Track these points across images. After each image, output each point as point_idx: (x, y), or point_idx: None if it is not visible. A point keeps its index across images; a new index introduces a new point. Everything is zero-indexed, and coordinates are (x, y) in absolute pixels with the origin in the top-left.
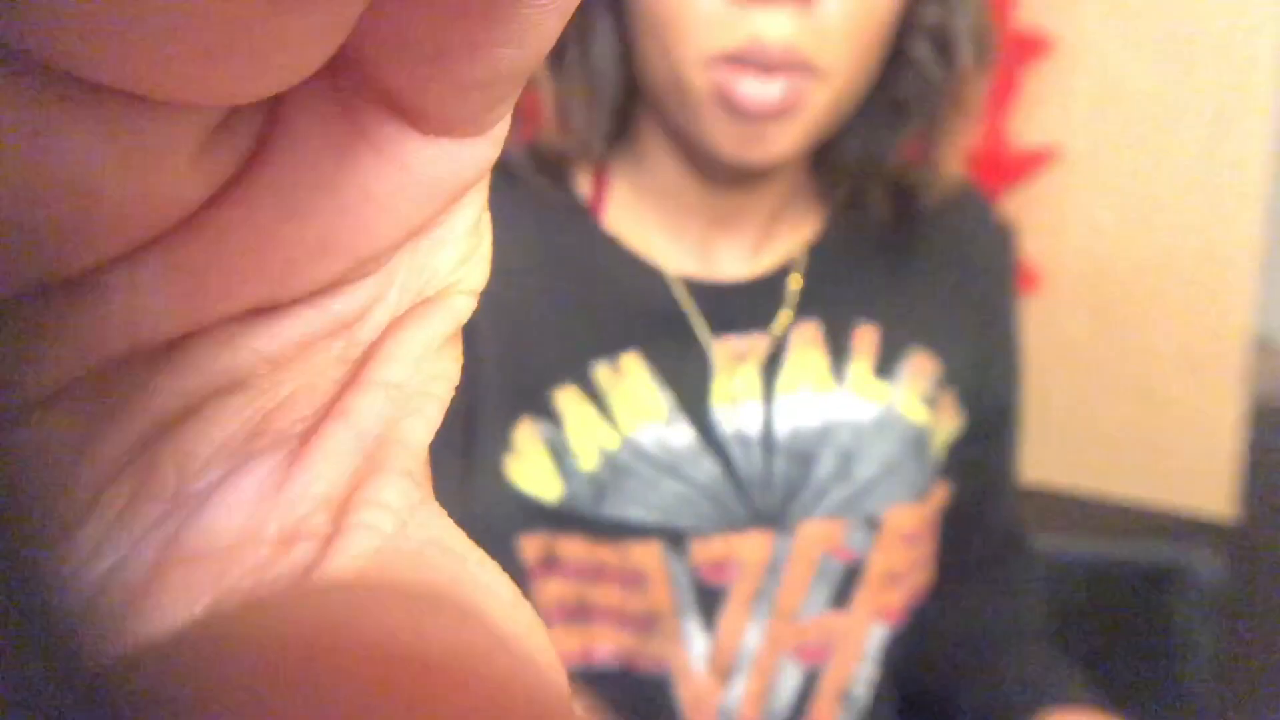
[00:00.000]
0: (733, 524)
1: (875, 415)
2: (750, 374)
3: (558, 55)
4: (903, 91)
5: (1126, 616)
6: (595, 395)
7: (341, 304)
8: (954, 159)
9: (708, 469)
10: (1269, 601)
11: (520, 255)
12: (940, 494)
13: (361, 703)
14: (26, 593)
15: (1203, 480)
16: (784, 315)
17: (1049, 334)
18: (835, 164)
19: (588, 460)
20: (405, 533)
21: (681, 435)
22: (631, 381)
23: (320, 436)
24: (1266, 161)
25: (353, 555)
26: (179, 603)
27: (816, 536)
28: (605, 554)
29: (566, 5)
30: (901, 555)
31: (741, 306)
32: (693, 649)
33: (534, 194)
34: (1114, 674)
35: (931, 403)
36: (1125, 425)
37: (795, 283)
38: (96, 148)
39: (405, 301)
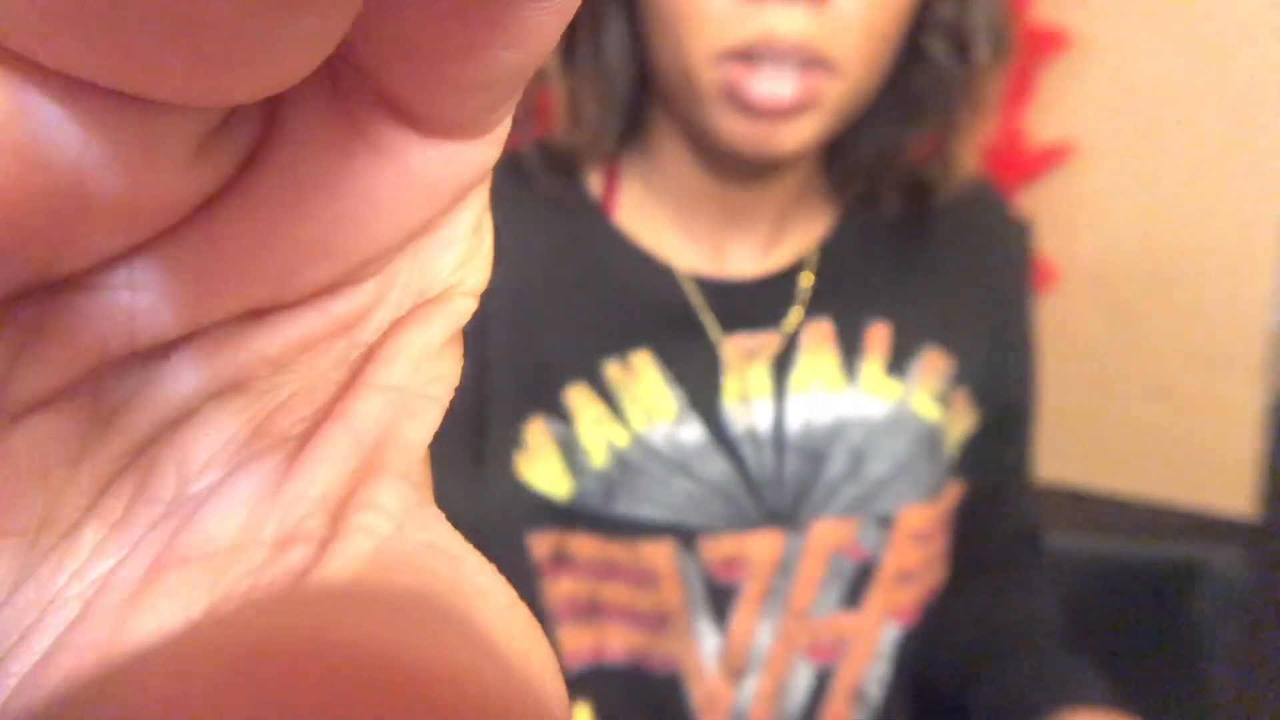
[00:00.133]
0: (744, 522)
1: (887, 413)
2: (761, 372)
3: (569, 52)
4: (918, 87)
5: (1145, 615)
6: (606, 393)
7: (342, 305)
8: (969, 155)
9: (718, 467)
10: None
11: (531, 253)
12: (953, 492)
13: (342, 714)
14: None
15: (1222, 478)
16: (795, 313)
17: (1065, 331)
18: (849, 160)
19: (598, 458)
20: (402, 536)
21: (692, 433)
22: (642, 379)
23: (318, 438)
24: None
25: (349, 559)
26: (176, 605)
27: (828, 535)
28: (616, 552)
29: (566, 6)
30: (914, 554)
31: (753, 304)
32: (704, 647)
33: (545, 191)
34: (1133, 673)
35: (944, 401)
36: (1143, 423)
37: (807, 280)
38: (95, 148)
39: (406, 303)
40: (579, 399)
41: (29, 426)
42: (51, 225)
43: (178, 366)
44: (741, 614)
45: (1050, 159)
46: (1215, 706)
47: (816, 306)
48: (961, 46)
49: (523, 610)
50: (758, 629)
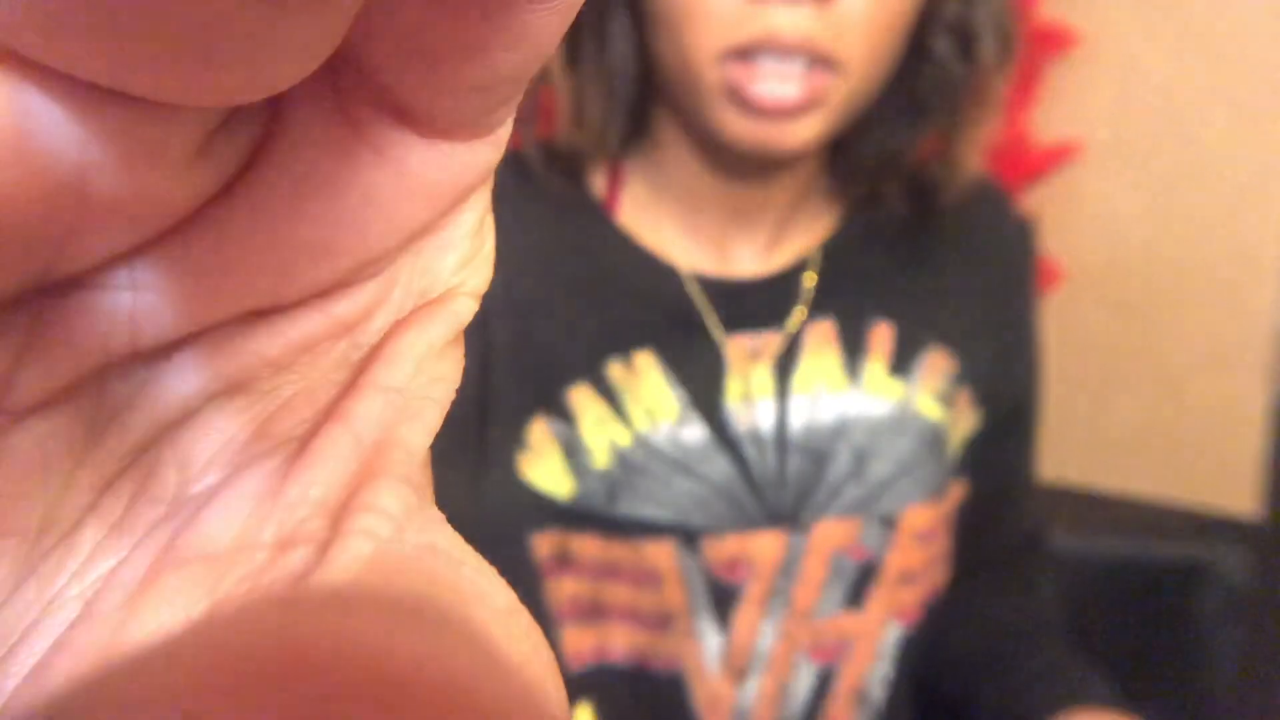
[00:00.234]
0: (746, 522)
1: (890, 413)
2: (764, 372)
3: (573, 52)
4: (923, 87)
5: (1150, 614)
6: (609, 393)
7: (343, 306)
8: (974, 155)
9: (721, 467)
10: None
11: (534, 253)
12: (957, 492)
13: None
14: None
15: (1226, 477)
16: (798, 313)
17: (1070, 330)
18: (853, 160)
19: (601, 458)
20: (402, 538)
21: (695, 433)
22: (645, 379)
23: (319, 440)
24: None
25: (349, 561)
26: (176, 606)
27: (831, 535)
28: (618, 552)
29: (568, 6)
30: (917, 554)
31: (756, 304)
32: (707, 648)
33: (548, 191)
34: (1137, 673)
35: (947, 400)
36: (1148, 422)
37: (810, 280)
38: (96, 148)
39: (407, 304)
40: (581, 399)
41: (31, 426)
42: (54, 226)
43: (179, 367)
44: (744, 614)
45: (1055, 158)
46: (1218, 705)
47: (819, 306)
48: (966, 45)
49: (523, 613)
50: (760, 629)
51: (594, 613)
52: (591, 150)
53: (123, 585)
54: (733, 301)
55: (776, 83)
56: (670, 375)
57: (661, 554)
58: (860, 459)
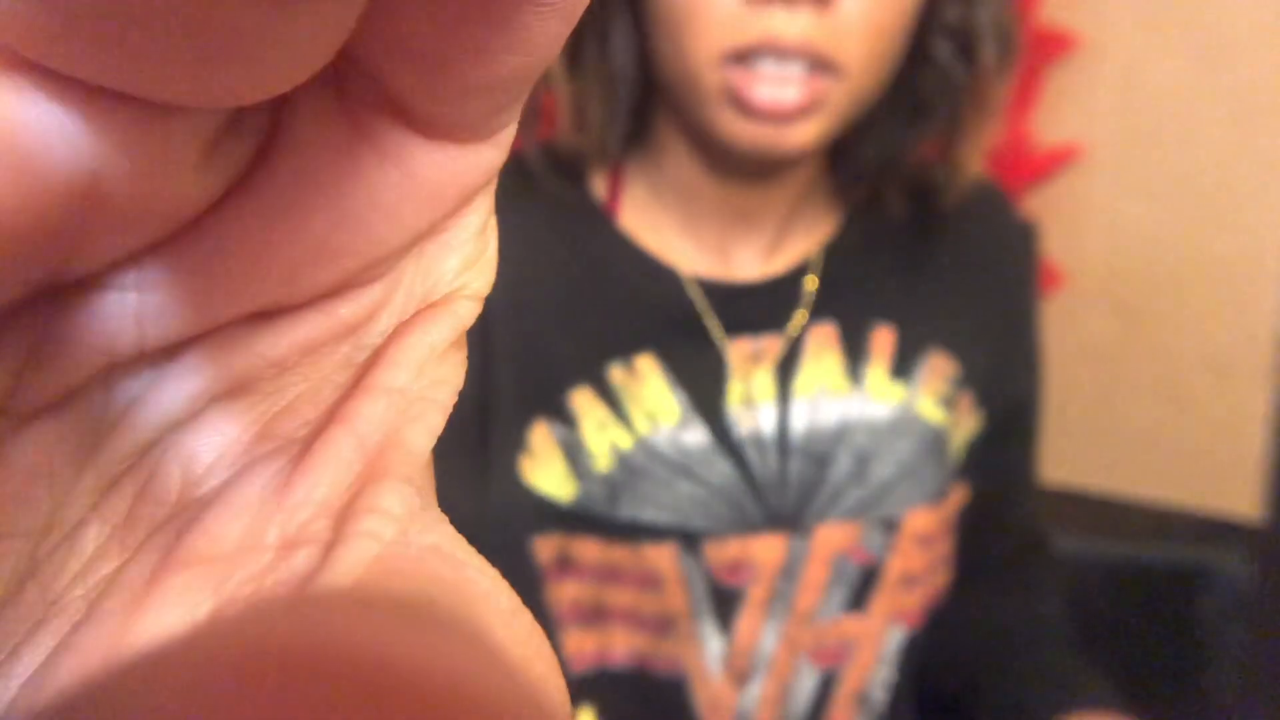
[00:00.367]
0: (748, 526)
1: (892, 416)
2: (765, 375)
3: (574, 55)
4: (923, 90)
5: (1151, 618)
6: (610, 396)
7: (347, 308)
8: (975, 157)
9: (722, 470)
10: None
11: (535, 256)
12: (958, 495)
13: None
14: None
15: (1228, 481)
16: (799, 316)
17: (1072, 334)
18: (854, 163)
19: (602, 461)
20: (406, 540)
21: (696, 436)
22: (646, 382)
23: (322, 442)
24: None
25: (353, 563)
26: (179, 608)
27: (833, 539)
28: (620, 555)
29: (571, 9)
30: (919, 557)
31: (757, 307)
32: (709, 651)
33: (549, 194)
34: (1138, 676)
35: (949, 404)
36: (1150, 425)
37: (811, 284)
38: (105, 152)
39: (411, 306)
40: (583, 402)
41: (38, 428)
42: (64, 231)
43: (183, 368)
44: (746, 617)
45: (1057, 161)
46: (1221, 709)
47: (821, 309)
48: (967, 48)
49: (525, 615)
50: (762, 632)
51: (595, 616)
52: (592, 153)
53: (127, 587)
54: (734, 304)
55: (776, 86)
56: (671, 378)
57: (663, 557)
58: (862, 462)
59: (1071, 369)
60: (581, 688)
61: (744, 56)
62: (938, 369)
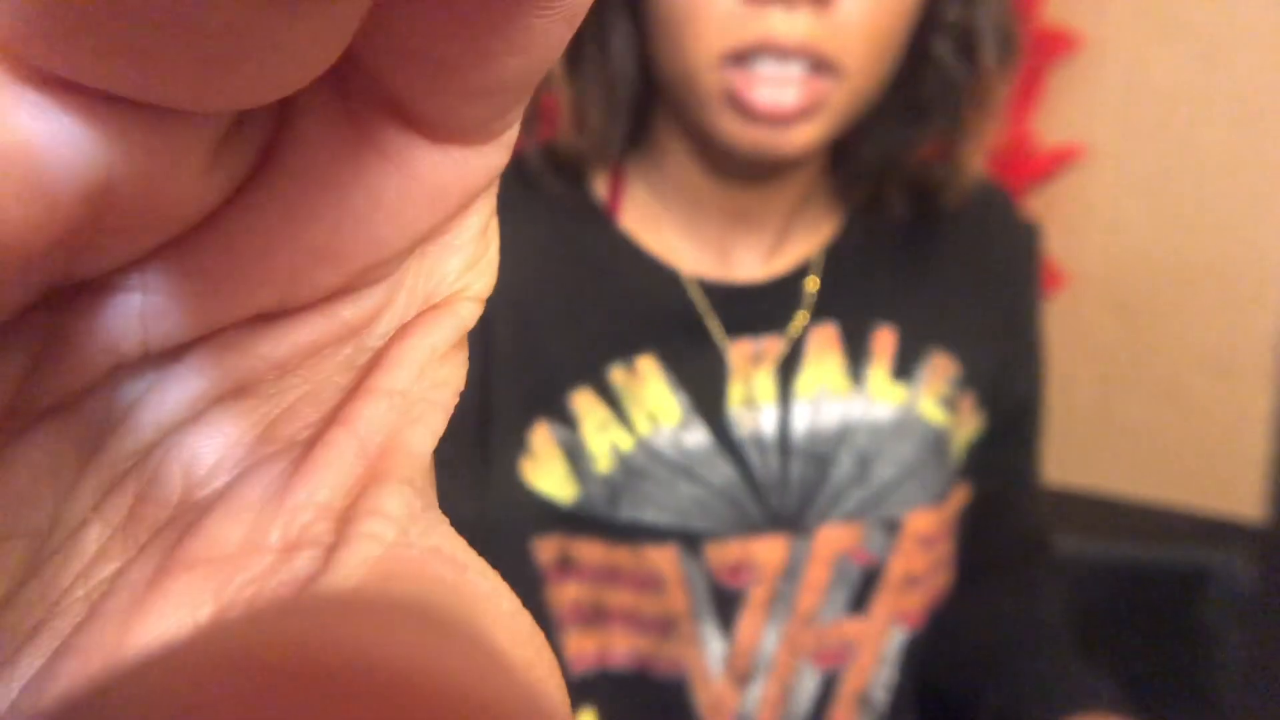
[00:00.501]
0: (749, 527)
1: (893, 417)
2: (766, 376)
3: (575, 57)
4: (924, 90)
5: (1154, 619)
6: (611, 397)
7: (349, 310)
8: (976, 158)
9: (723, 471)
10: None
11: (536, 257)
12: (960, 496)
13: None
14: None
15: (1230, 482)
16: (800, 317)
17: (1074, 334)
18: (855, 163)
19: (603, 462)
20: (407, 541)
21: (697, 437)
22: (647, 384)
23: (324, 444)
24: None
25: (354, 565)
26: (181, 610)
27: (834, 540)
28: (621, 557)
29: (574, 12)
30: (921, 558)
31: (758, 308)
32: (710, 652)
33: (550, 195)
34: (1142, 677)
35: (950, 404)
36: (1152, 426)
37: (812, 284)
38: (111, 157)
39: (412, 308)
40: (584, 403)
41: (43, 429)
42: (73, 233)
43: (186, 370)
44: (747, 619)
45: (1059, 161)
46: (1224, 709)
47: (822, 310)
48: (968, 48)
49: (526, 617)
50: (763, 634)
51: (596, 617)
52: (593, 154)
53: (129, 588)
54: (735, 305)
55: (775, 88)
56: (672, 379)
57: (664, 558)
58: (863, 463)
59: (1073, 369)
60: (582, 689)
61: (743, 57)
62: (939, 370)
